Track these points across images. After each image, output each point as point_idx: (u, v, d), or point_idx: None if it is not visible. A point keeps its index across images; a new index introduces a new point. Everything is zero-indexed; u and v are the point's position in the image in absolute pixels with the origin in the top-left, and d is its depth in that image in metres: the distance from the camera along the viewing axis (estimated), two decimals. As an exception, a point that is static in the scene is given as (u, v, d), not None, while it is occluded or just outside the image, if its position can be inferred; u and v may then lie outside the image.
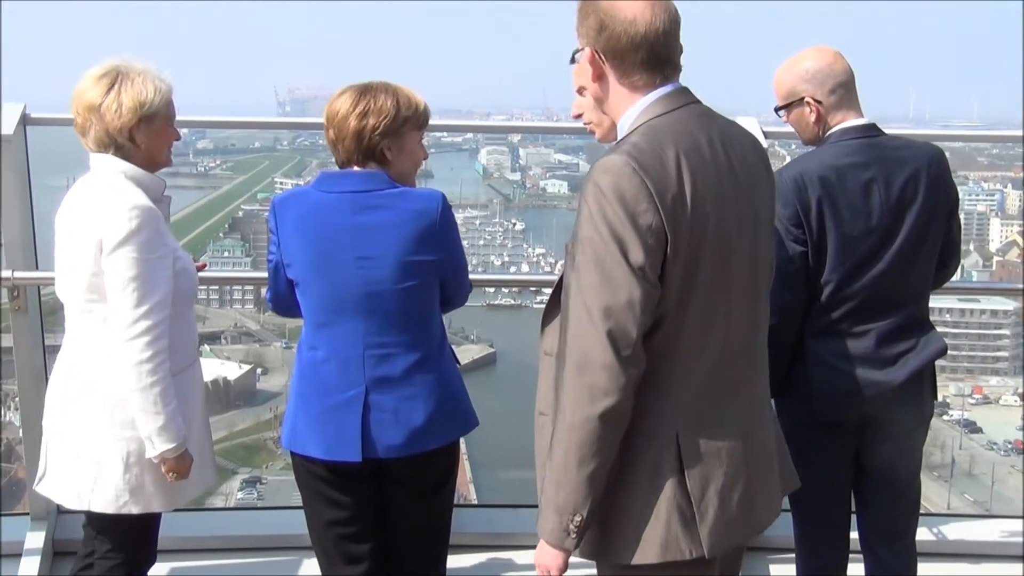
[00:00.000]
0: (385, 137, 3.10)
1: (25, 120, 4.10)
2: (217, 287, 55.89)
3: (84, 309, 3.18)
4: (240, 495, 39.00)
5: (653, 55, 2.38)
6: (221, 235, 60.74)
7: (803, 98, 3.42)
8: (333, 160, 3.20)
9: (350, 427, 3.08)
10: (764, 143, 4.08)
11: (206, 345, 52.54)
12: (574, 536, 2.34)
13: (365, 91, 3.12)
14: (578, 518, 2.32)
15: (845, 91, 3.40)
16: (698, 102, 2.45)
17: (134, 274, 3.04)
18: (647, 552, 2.36)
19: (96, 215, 3.10)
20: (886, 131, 3.47)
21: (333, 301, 3.07)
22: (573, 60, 2.51)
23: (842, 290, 3.34)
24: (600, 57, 2.42)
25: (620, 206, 2.23)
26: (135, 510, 3.21)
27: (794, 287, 3.32)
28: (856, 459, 3.54)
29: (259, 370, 50.96)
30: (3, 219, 4.01)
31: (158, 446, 3.09)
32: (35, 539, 4.26)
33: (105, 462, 3.19)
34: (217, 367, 48.70)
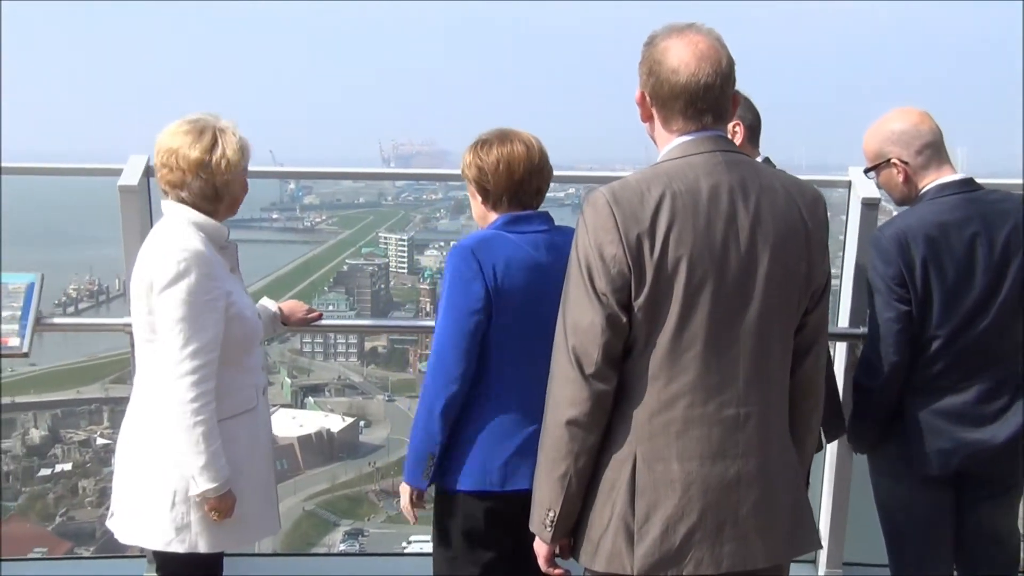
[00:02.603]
0: None
1: (149, 171, 4.19)
2: (322, 340, 56.66)
3: (143, 350, 3.28)
4: (342, 547, 39.13)
5: (691, 105, 2.53)
6: (326, 289, 61.52)
7: (890, 159, 3.42)
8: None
9: None
10: (877, 194, 4.05)
11: (310, 397, 53.13)
12: (549, 529, 2.59)
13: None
14: (552, 514, 2.57)
15: (933, 151, 3.40)
16: (728, 151, 2.55)
17: (180, 315, 3.12)
18: (598, 560, 2.54)
19: (150, 258, 3.21)
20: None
21: (538, 340, 2.98)
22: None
23: (946, 347, 3.31)
24: (648, 100, 2.58)
25: (592, 235, 2.45)
26: (180, 549, 3.24)
27: (899, 347, 3.31)
28: (955, 515, 3.47)
29: (362, 423, 51.28)
30: (126, 268, 4.11)
31: (200, 484, 3.14)
32: (154, 578, 4.31)
33: (153, 500, 3.24)
34: (320, 419, 49.18)
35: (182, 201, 3.28)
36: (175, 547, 3.24)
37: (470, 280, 3.12)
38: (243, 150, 3.31)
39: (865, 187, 4.12)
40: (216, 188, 3.28)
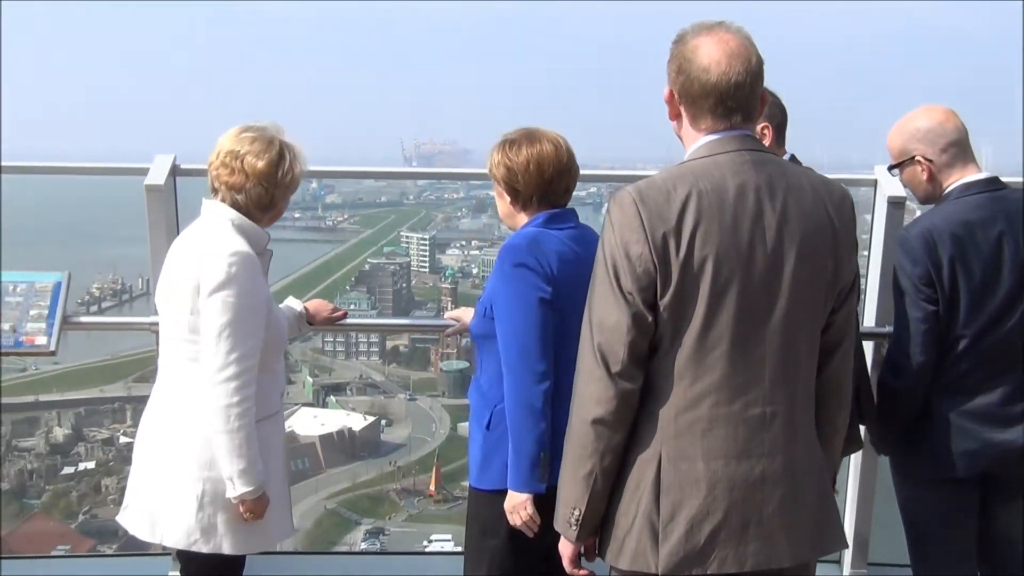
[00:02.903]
0: None
1: (175, 171, 4.24)
2: (343, 339, 56.79)
3: (176, 348, 3.28)
4: (363, 545, 39.28)
5: (721, 104, 2.53)
6: (348, 288, 61.62)
7: (914, 157, 3.39)
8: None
9: None
10: (903, 192, 4.03)
11: (332, 396, 53.26)
12: (574, 528, 2.57)
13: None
14: (576, 512, 2.56)
15: (958, 149, 3.37)
16: (755, 150, 2.54)
17: (228, 319, 3.13)
18: (623, 558, 2.54)
19: (198, 259, 3.20)
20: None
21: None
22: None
23: (973, 347, 3.28)
24: (677, 98, 2.58)
25: (618, 234, 2.45)
26: (204, 549, 3.25)
27: (926, 348, 3.28)
28: (980, 517, 3.45)
29: (383, 422, 51.37)
30: (152, 267, 4.13)
31: (238, 488, 3.16)
32: (177, 577, 4.32)
33: (180, 499, 3.25)
34: (342, 418, 49.27)
35: (235, 204, 3.28)
36: (199, 547, 3.25)
37: (534, 275, 3.13)
38: (305, 171, 3.38)
39: (891, 186, 4.11)
40: (273, 198, 3.31)
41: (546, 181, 3.24)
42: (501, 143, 3.31)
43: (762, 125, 3.45)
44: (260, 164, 3.25)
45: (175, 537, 3.27)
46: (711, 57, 2.50)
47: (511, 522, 3.17)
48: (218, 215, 3.28)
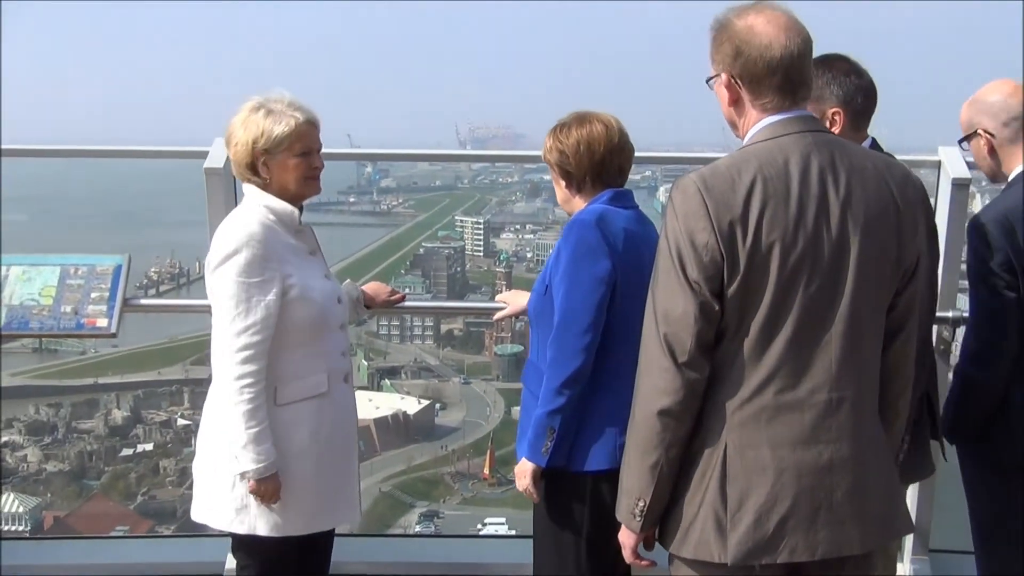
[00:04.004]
0: None
1: (234, 153, 4.23)
2: (398, 323, 57.03)
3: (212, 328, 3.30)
4: (418, 528, 39.46)
5: (788, 79, 2.49)
6: (402, 271, 61.89)
7: (978, 131, 3.31)
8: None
9: None
10: (967, 174, 3.96)
11: (387, 379, 53.53)
12: (639, 519, 2.55)
13: None
14: (641, 503, 2.53)
15: (1022, 125, 3.28)
16: (817, 131, 2.51)
17: (230, 294, 3.15)
18: (687, 547, 2.51)
19: (214, 239, 3.24)
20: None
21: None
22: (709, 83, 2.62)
23: None
24: (736, 82, 2.52)
25: (682, 223, 2.41)
26: (240, 530, 3.27)
27: (1010, 336, 3.20)
28: None
29: (437, 405, 51.56)
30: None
31: (241, 464, 3.15)
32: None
33: (217, 480, 3.27)
34: (396, 401, 49.53)
35: (258, 184, 3.30)
36: (236, 527, 3.28)
37: (597, 252, 3.12)
38: (258, 136, 3.25)
39: (955, 167, 4.04)
40: (237, 167, 3.32)
41: (597, 162, 3.23)
42: (553, 128, 3.32)
43: (833, 110, 3.36)
44: (234, 134, 3.29)
45: (215, 519, 3.31)
46: (769, 34, 2.47)
47: (517, 485, 3.23)
48: (248, 196, 3.31)
